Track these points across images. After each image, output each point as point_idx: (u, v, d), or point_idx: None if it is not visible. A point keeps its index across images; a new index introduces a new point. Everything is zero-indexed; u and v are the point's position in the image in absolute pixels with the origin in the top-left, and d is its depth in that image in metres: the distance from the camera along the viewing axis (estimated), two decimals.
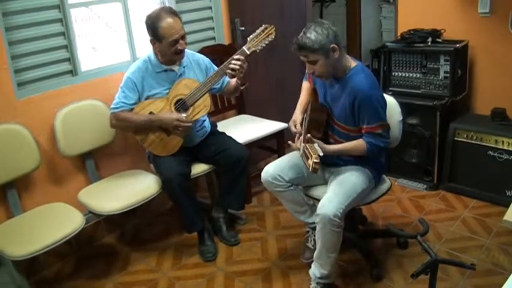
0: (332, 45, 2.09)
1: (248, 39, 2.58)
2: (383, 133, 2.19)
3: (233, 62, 2.54)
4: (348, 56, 2.23)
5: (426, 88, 3.22)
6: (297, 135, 2.24)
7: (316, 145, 2.01)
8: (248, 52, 2.55)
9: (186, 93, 2.60)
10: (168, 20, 2.46)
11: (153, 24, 2.49)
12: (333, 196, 2.16)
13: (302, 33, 2.11)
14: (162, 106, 2.59)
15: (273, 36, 2.58)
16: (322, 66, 2.13)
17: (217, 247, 2.79)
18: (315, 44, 2.07)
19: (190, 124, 2.56)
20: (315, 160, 1.88)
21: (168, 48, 2.51)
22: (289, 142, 2.23)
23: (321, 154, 1.93)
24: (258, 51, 2.57)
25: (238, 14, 3.44)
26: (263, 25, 2.58)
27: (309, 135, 2.10)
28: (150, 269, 2.68)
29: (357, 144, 2.20)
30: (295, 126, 2.31)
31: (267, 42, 2.57)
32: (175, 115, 2.54)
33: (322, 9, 5.57)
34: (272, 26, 2.58)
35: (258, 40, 2.56)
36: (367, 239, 2.75)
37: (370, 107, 2.15)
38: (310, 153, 1.93)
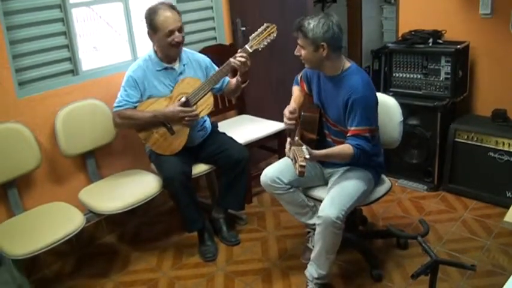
0: (322, 43, 2.10)
1: (250, 38, 2.59)
2: (370, 137, 2.17)
3: (237, 57, 2.55)
4: (342, 57, 2.23)
5: (427, 89, 3.21)
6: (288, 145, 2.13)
7: (304, 147, 1.96)
8: (250, 50, 2.57)
9: (189, 91, 2.60)
10: (166, 13, 2.51)
11: (150, 16, 2.53)
12: (335, 198, 2.15)
13: (308, 17, 2.13)
14: (166, 105, 2.59)
15: (275, 35, 2.60)
16: (308, 55, 2.16)
17: (217, 247, 2.79)
18: (309, 33, 2.10)
19: (196, 112, 2.57)
20: (301, 163, 1.83)
21: (163, 39, 2.52)
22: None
23: (307, 157, 1.89)
24: (260, 49, 2.59)
25: (239, 14, 3.44)
26: (265, 24, 2.59)
27: (296, 138, 2.08)
28: (150, 268, 2.68)
29: (343, 148, 2.15)
30: (289, 112, 2.24)
31: (268, 40, 2.59)
32: (178, 107, 2.55)
33: (323, 9, 5.56)
34: (274, 25, 2.60)
35: (260, 39, 2.57)
36: (367, 239, 2.75)
37: (363, 108, 2.13)
38: (297, 156, 1.89)
